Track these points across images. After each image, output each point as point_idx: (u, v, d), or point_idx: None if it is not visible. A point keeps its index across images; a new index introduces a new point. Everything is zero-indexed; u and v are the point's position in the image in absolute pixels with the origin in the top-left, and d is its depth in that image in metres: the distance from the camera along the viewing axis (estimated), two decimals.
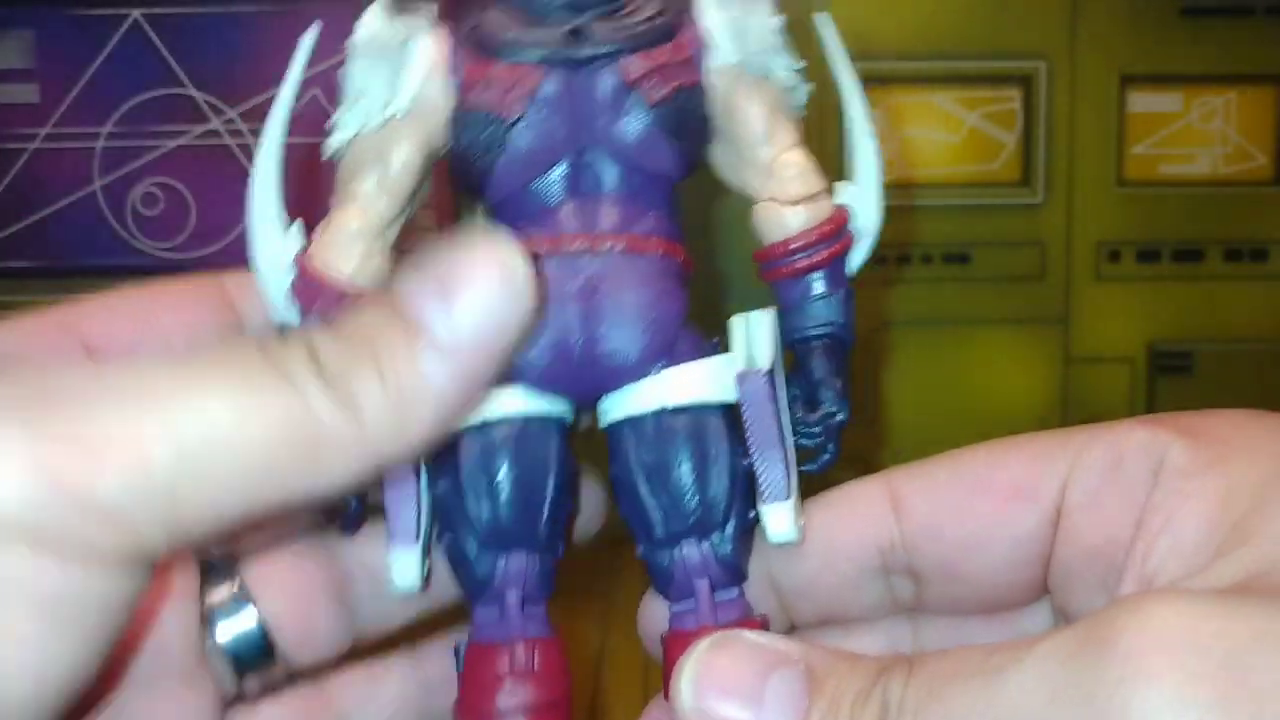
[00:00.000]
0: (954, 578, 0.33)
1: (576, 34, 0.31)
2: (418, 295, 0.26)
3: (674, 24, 0.32)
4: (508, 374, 0.30)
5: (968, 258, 0.90)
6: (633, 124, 0.32)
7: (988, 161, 0.90)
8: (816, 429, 0.33)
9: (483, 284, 0.27)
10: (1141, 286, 0.91)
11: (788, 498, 0.32)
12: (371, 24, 0.32)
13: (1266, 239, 0.90)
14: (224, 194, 0.86)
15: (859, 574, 0.34)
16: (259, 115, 0.83)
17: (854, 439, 0.34)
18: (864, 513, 0.34)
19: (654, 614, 0.34)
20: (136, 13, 0.85)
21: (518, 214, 0.33)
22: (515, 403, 0.32)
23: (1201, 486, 0.28)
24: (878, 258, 0.34)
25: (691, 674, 0.28)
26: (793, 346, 0.33)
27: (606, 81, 0.32)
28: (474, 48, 0.31)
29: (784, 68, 0.33)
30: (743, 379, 0.31)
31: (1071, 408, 0.92)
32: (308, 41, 0.32)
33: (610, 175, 0.32)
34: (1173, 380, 0.91)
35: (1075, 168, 0.89)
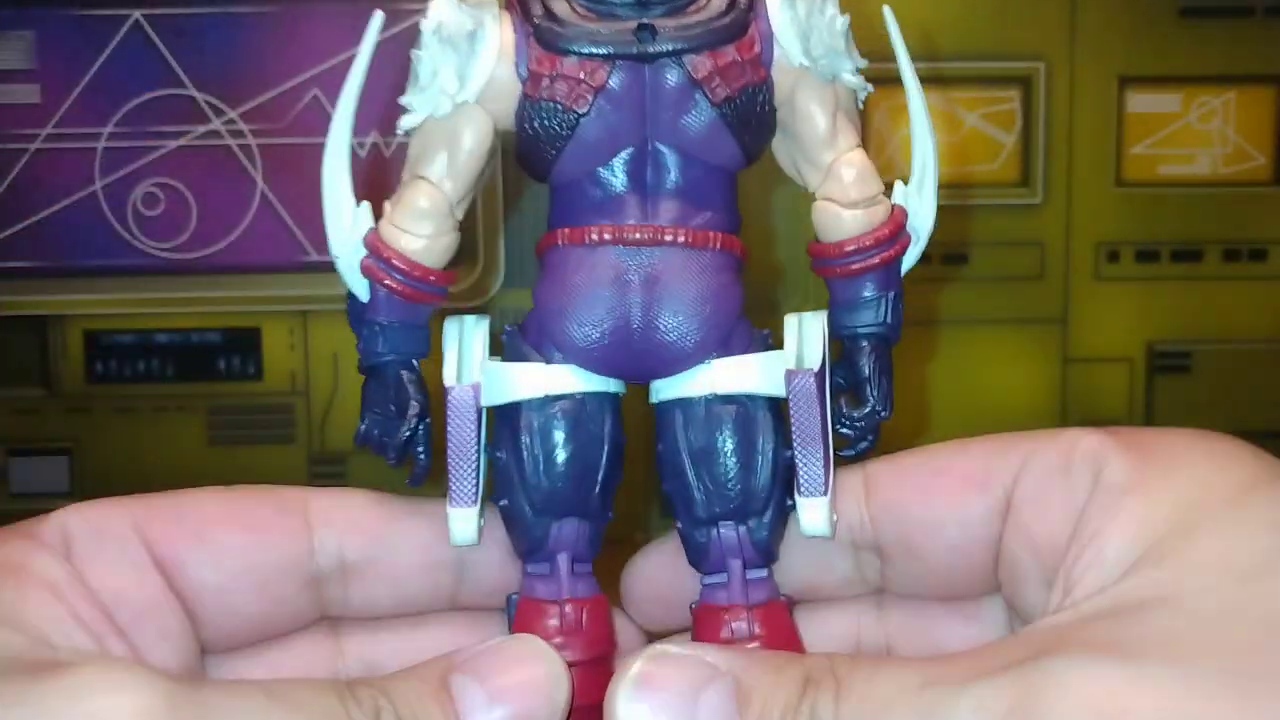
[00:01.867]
0: (912, 556, 0.35)
1: (644, 31, 0.32)
2: (467, 691, 0.30)
3: (741, 21, 0.32)
4: (566, 354, 0.33)
5: (967, 258, 0.90)
6: (698, 119, 0.32)
7: (987, 162, 0.90)
8: (861, 423, 0.35)
9: (524, 694, 0.30)
10: (1140, 287, 0.91)
11: (825, 494, 0.33)
12: (441, 10, 0.32)
13: (1265, 239, 0.90)
14: (225, 194, 0.86)
15: (831, 548, 0.35)
16: (259, 115, 0.83)
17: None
18: (839, 490, 0.35)
19: (642, 572, 0.37)
20: (137, 13, 0.85)
21: (581, 200, 0.34)
22: (573, 381, 0.33)
23: (1131, 503, 0.29)
24: None
25: (627, 693, 0.30)
26: (841, 339, 0.35)
27: (673, 78, 0.32)
28: (542, 39, 0.32)
29: (849, 70, 0.34)
30: (791, 377, 0.33)
31: (1070, 407, 0.92)
32: (376, 24, 0.33)
33: (673, 167, 0.33)
34: (1171, 380, 0.92)
35: (1074, 168, 0.90)
